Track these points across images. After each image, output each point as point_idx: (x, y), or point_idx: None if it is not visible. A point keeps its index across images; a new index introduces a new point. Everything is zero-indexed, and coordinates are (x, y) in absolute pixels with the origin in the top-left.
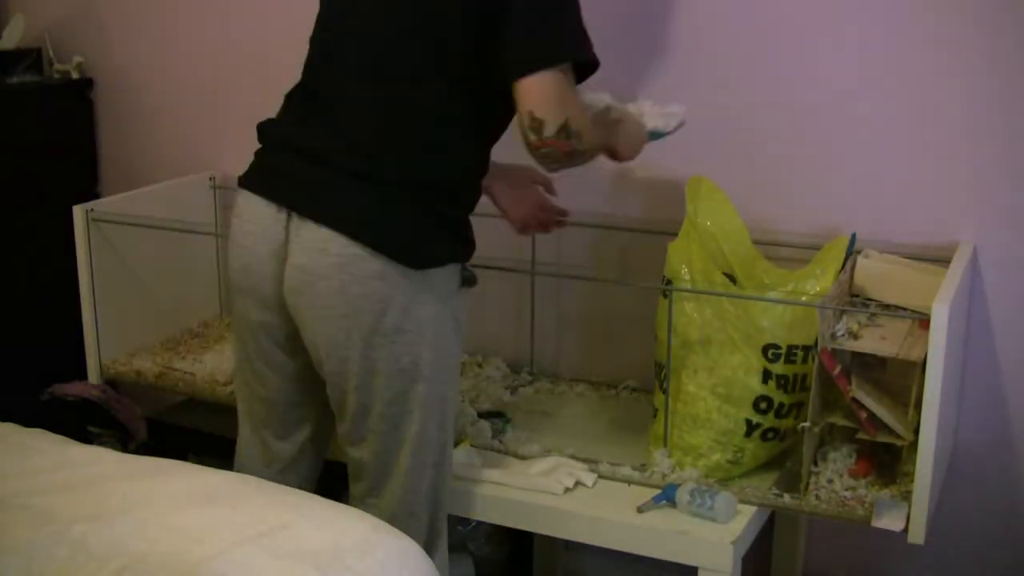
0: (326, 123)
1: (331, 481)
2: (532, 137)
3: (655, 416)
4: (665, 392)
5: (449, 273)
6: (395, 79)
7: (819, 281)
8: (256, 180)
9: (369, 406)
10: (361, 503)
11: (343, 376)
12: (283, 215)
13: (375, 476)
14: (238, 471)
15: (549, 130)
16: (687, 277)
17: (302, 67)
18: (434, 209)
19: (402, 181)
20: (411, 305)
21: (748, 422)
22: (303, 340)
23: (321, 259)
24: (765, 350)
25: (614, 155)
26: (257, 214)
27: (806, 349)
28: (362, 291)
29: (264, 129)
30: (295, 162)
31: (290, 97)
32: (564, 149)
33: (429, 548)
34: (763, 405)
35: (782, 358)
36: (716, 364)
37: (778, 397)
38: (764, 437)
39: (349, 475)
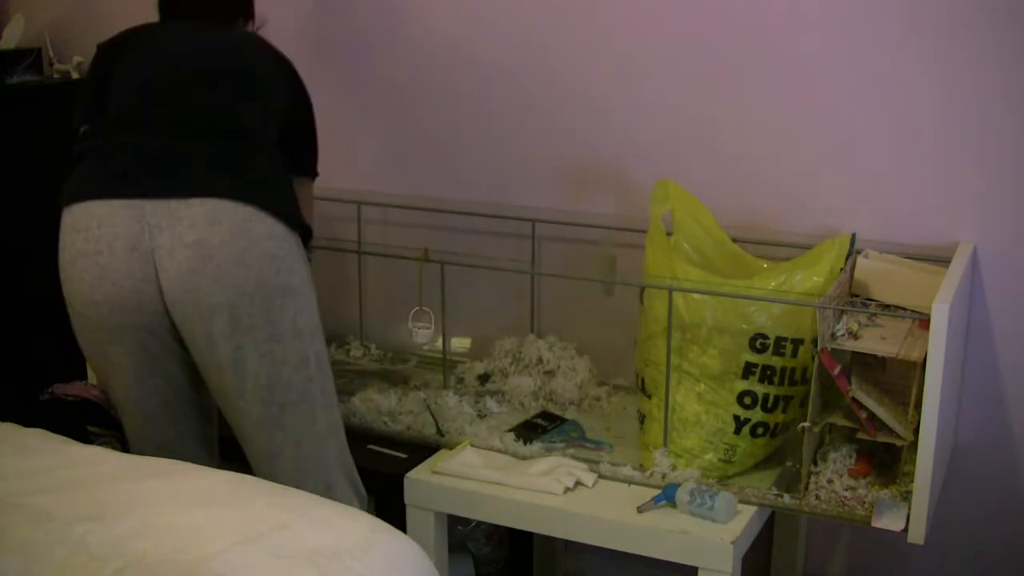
0: (170, 116)
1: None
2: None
3: (642, 423)
4: (649, 397)
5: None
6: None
7: (808, 275)
8: (98, 186)
9: (276, 376)
10: (267, 466)
11: (244, 350)
12: (140, 208)
13: (291, 447)
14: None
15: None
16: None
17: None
18: (281, 168)
19: (256, 132)
20: (295, 264)
21: (736, 418)
22: (182, 335)
23: (213, 230)
24: (753, 340)
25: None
26: (107, 218)
27: (796, 342)
28: (258, 252)
29: (84, 151)
30: (144, 156)
31: (99, 129)
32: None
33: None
34: (747, 400)
35: (770, 349)
36: (697, 364)
37: (762, 390)
38: (754, 432)
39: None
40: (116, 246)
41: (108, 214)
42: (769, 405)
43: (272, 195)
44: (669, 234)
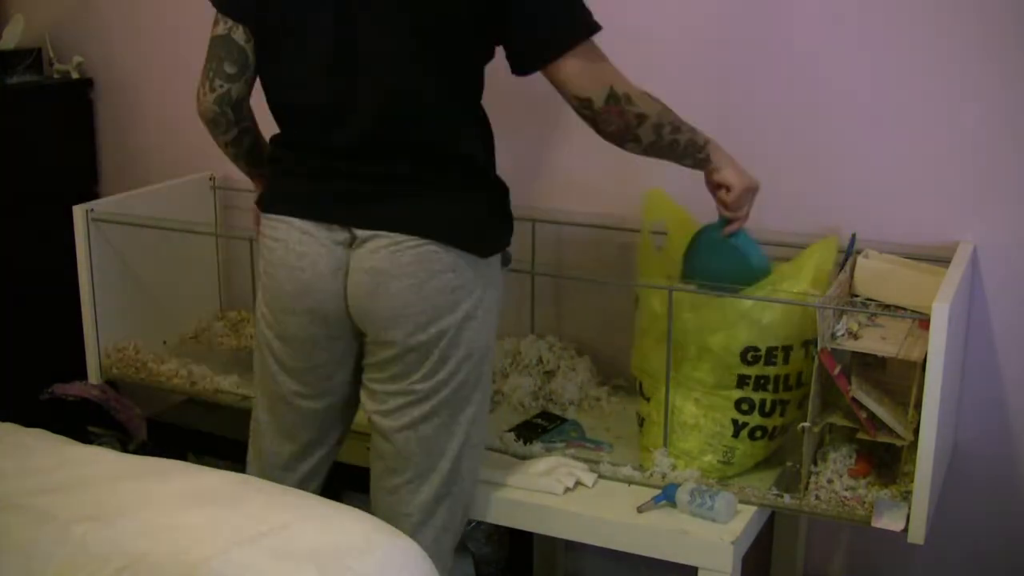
0: (351, 132)
1: (331, 481)
2: (588, 114)
3: (641, 425)
4: (648, 400)
5: (498, 257)
6: (405, 74)
7: (792, 285)
8: (302, 204)
9: (435, 393)
10: (397, 493)
11: (414, 367)
12: (343, 233)
13: (420, 463)
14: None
15: (598, 103)
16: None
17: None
18: (484, 193)
19: (447, 169)
20: (483, 293)
21: (734, 422)
22: (363, 351)
23: (393, 259)
24: (744, 353)
25: (709, 166)
26: (310, 238)
27: (786, 349)
28: (437, 285)
29: (279, 155)
30: (337, 177)
31: (291, 116)
32: (623, 117)
33: (456, 535)
34: (744, 406)
35: (762, 360)
36: (692, 373)
37: (759, 397)
38: (752, 436)
39: (378, 472)
40: (318, 266)
41: (308, 236)
42: (767, 410)
43: (462, 227)
44: (657, 249)
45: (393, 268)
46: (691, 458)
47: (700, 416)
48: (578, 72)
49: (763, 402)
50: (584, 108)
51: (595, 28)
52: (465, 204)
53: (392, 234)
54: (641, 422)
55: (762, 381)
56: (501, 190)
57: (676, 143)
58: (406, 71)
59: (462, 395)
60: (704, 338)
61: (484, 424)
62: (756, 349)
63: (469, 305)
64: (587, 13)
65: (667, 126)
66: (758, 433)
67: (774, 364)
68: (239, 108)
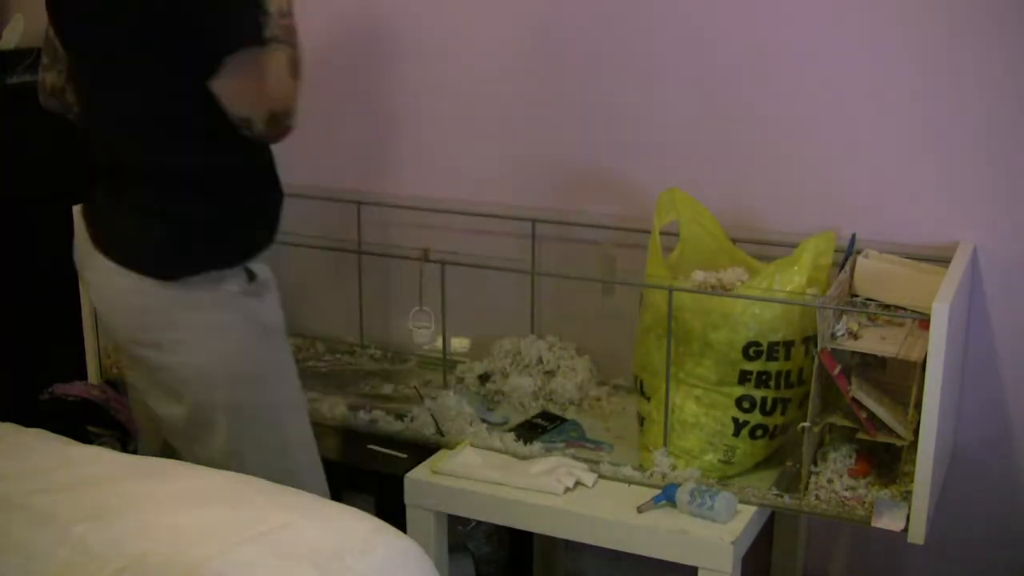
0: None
1: (331, 481)
2: (248, 134)
3: (641, 424)
4: (648, 399)
5: (215, 279)
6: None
7: (788, 276)
8: None
9: (175, 421)
10: None
11: (146, 393)
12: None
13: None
14: None
15: (258, 127)
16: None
17: None
18: (180, 213)
19: (145, 180)
20: (175, 316)
21: (735, 420)
22: None
23: (95, 277)
24: (746, 349)
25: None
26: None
27: (787, 344)
28: (122, 306)
29: None
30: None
31: None
32: (284, 133)
33: None
34: (746, 404)
35: (764, 355)
36: (695, 370)
37: (760, 394)
38: (753, 435)
39: None
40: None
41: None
42: (768, 408)
43: (139, 248)
44: (669, 250)
45: (102, 284)
46: (692, 457)
47: (701, 414)
48: (235, 89)
49: (764, 400)
50: (247, 129)
51: (258, 38)
52: (152, 223)
53: (97, 253)
54: (641, 421)
55: (764, 377)
56: (221, 205)
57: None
58: (110, 92)
59: (198, 420)
60: (707, 334)
61: (274, 452)
62: (758, 344)
63: (160, 329)
64: (250, 24)
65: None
66: (759, 432)
67: (776, 359)
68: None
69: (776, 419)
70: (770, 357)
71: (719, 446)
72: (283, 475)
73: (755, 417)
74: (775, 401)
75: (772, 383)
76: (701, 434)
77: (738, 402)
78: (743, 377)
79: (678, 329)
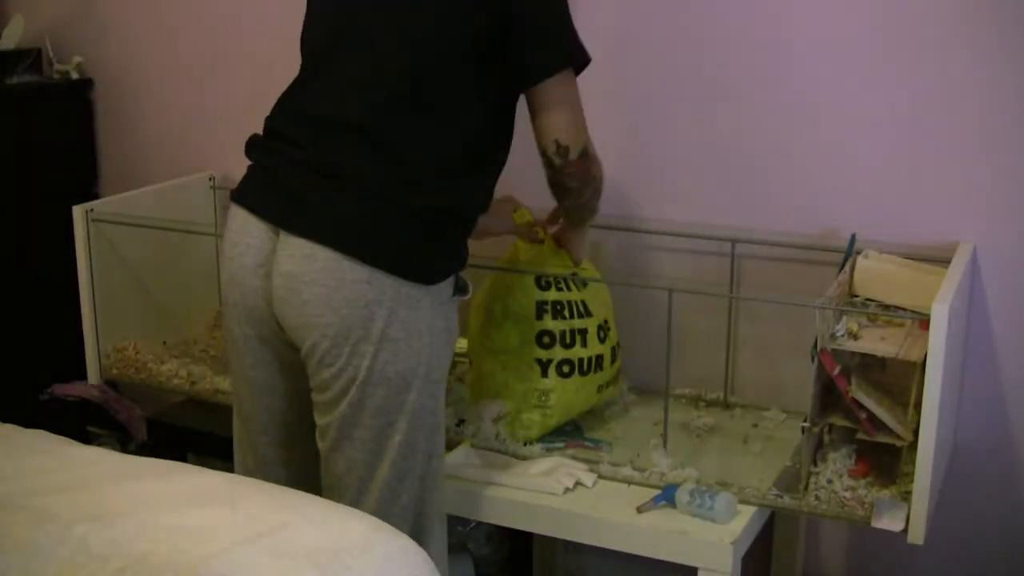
0: (326, 141)
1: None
2: (558, 162)
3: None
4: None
5: (442, 283)
6: (399, 96)
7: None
8: (247, 196)
9: (355, 416)
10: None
11: (330, 384)
12: (270, 228)
13: (354, 489)
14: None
15: (573, 154)
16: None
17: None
18: (437, 234)
19: (411, 207)
20: (399, 311)
21: (539, 361)
22: (296, 354)
23: (308, 265)
24: (537, 280)
25: (577, 230)
26: (245, 227)
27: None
28: (348, 295)
29: (255, 143)
30: (286, 176)
31: (281, 108)
32: (583, 173)
33: None
34: (546, 339)
35: (552, 287)
36: (498, 326)
37: (557, 326)
38: (561, 372)
39: (324, 491)
40: (245, 258)
41: (243, 225)
42: (568, 341)
43: (386, 249)
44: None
45: (305, 273)
46: (514, 421)
47: (510, 378)
48: (565, 119)
49: (563, 332)
50: (559, 155)
51: (586, 62)
52: (388, 217)
53: (306, 241)
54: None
55: (559, 307)
56: (453, 213)
57: (593, 208)
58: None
59: (384, 421)
60: (505, 302)
61: (423, 456)
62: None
63: (383, 322)
64: (581, 47)
65: (597, 190)
66: (565, 368)
67: (562, 291)
68: None
69: (578, 351)
70: (558, 288)
71: (530, 397)
72: (420, 486)
73: (557, 352)
74: (573, 332)
75: (566, 312)
76: (513, 397)
77: (538, 338)
78: (539, 309)
79: (487, 304)
